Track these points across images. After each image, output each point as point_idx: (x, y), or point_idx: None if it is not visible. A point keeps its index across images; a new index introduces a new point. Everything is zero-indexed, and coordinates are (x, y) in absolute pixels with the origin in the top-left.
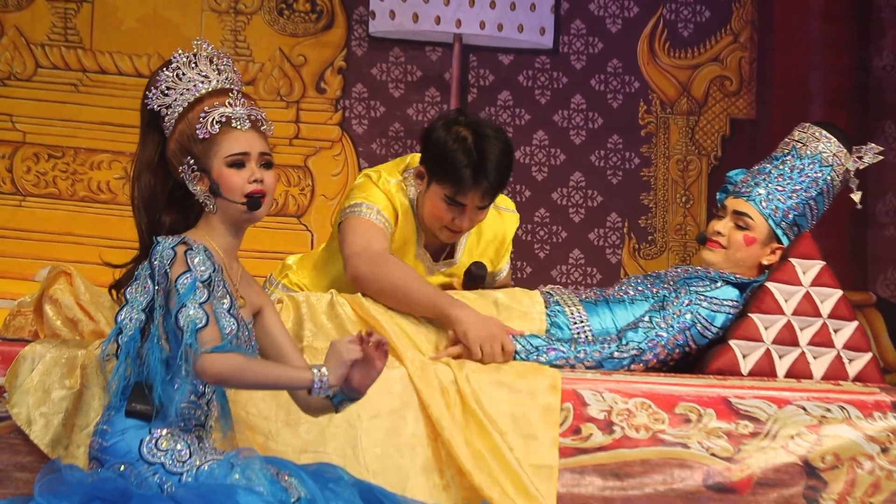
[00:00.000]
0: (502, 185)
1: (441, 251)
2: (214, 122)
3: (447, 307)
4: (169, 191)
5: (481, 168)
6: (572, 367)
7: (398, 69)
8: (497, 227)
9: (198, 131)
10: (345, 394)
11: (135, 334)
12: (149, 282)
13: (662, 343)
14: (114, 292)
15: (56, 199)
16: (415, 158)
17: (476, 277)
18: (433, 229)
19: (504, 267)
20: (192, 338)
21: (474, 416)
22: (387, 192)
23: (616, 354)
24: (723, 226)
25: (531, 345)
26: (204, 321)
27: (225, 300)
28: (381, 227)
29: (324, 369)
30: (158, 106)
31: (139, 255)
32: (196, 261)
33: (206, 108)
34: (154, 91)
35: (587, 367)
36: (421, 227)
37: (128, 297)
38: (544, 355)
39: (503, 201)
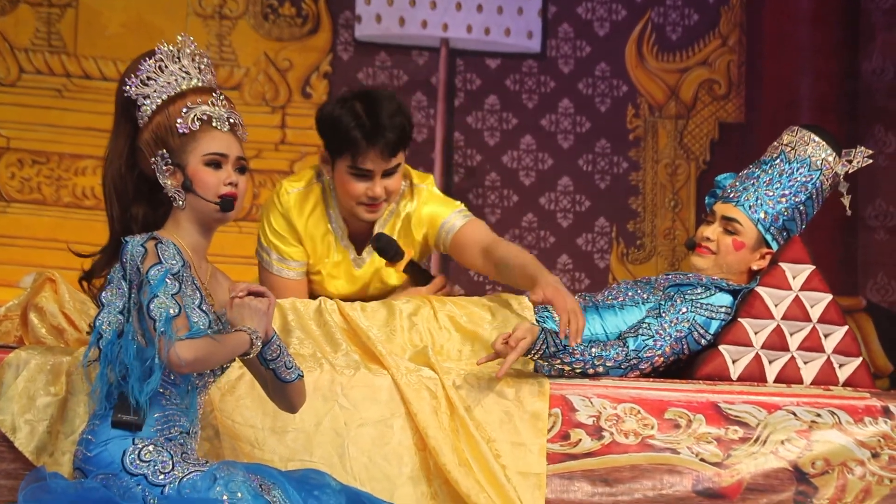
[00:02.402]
0: (400, 141)
1: (364, 240)
2: (196, 118)
3: None
4: (135, 181)
5: (373, 127)
6: (584, 373)
7: (384, 74)
8: (417, 208)
9: (178, 125)
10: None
11: (113, 337)
12: (122, 283)
13: (660, 352)
14: (84, 283)
15: (41, 204)
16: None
17: (383, 246)
18: (352, 210)
19: (454, 223)
20: (165, 325)
21: (462, 423)
22: (284, 213)
23: (623, 365)
24: (712, 231)
25: (561, 344)
26: (176, 310)
27: (194, 296)
28: (274, 274)
29: (252, 326)
30: (136, 94)
31: (109, 244)
32: (167, 254)
33: (188, 104)
34: (134, 79)
35: (597, 374)
36: (342, 217)
37: (103, 301)
38: (569, 356)
39: (421, 178)
